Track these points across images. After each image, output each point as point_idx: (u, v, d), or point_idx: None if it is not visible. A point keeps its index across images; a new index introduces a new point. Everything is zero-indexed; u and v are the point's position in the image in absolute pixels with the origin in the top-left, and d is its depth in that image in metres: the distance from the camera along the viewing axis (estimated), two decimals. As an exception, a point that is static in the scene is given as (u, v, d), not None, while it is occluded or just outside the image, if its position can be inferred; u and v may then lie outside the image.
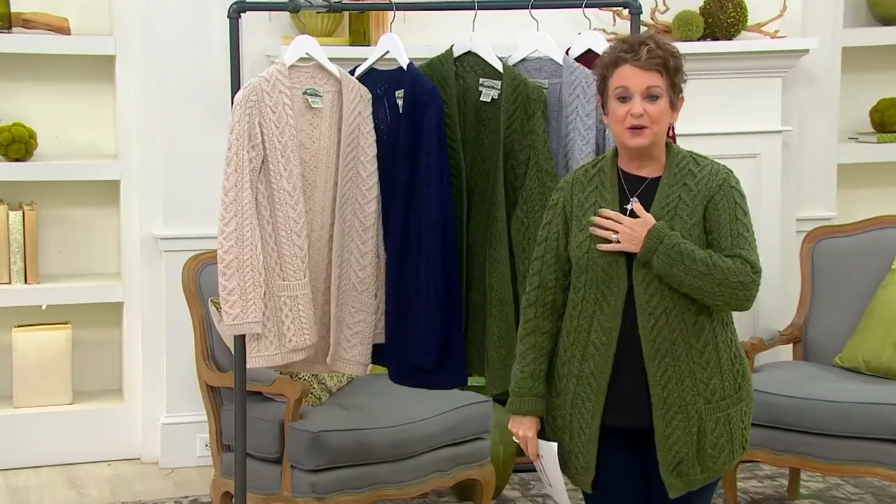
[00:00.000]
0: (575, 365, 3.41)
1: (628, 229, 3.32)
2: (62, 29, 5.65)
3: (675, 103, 3.37)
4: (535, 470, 3.61)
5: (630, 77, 3.32)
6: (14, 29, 5.62)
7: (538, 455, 3.50)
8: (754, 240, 3.36)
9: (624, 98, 3.33)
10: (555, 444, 3.45)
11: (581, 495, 3.56)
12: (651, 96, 3.32)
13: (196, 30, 5.51)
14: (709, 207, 3.35)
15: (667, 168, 3.39)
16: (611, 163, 3.44)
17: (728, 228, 3.33)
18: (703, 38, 5.63)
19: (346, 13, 5.47)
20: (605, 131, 3.94)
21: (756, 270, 3.31)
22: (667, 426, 3.35)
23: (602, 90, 3.40)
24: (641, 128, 3.32)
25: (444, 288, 3.97)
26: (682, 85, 3.39)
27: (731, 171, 3.41)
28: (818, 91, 5.95)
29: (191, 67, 5.53)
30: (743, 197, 3.38)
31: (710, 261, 3.27)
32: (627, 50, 3.33)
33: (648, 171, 3.40)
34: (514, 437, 3.54)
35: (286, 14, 5.41)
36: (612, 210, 3.37)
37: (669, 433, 3.35)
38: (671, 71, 3.34)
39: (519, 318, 3.86)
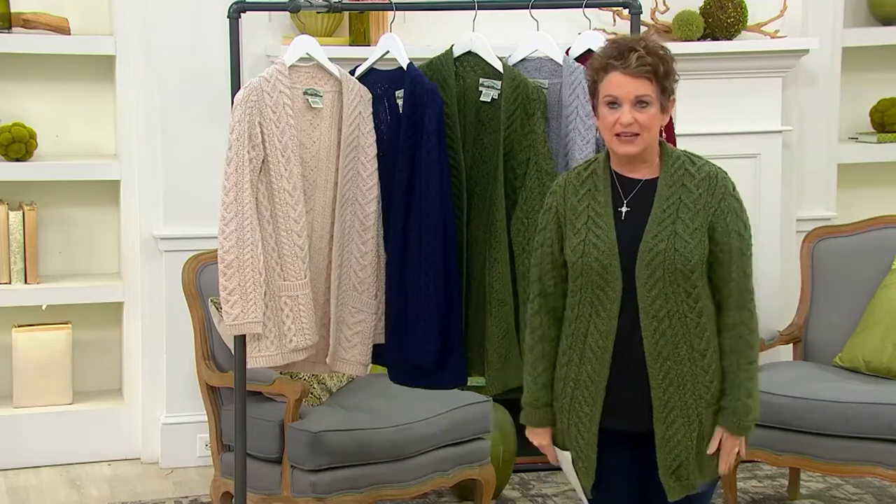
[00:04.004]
0: (573, 369, 3.38)
1: (733, 451, 3.38)
2: (62, 29, 5.64)
3: (665, 107, 3.34)
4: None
5: (619, 85, 3.28)
6: (14, 29, 5.61)
7: (558, 461, 3.51)
8: (752, 252, 3.37)
9: (613, 104, 3.30)
10: (569, 453, 3.44)
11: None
12: (641, 103, 3.29)
13: (196, 30, 5.51)
14: (714, 218, 3.32)
15: (662, 169, 3.37)
16: (603, 165, 3.41)
17: (735, 245, 3.32)
18: (703, 38, 5.62)
19: (346, 13, 5.47)
20: (605, 131, 3.94)
21: (753, 298, 3.36)
22: (667, 429, 3.33)
23: (593, 93, 3.37)
24: (632, 135, 3.30)
25: (444, 288, 3.96)
26: (674, 86, 3.35)
27: (727, 174, 3.38)
28: (818, 91, 5.95)
29: (191, 67, 5.53)
30: (742, 206, 3.37)
31: (754, 366, 3.34)
32: (617, 56, 3.28)
33: (642, 174, 3.37)
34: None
35: (286, 14, 5.40)
36: (605, 213, 3.35)
37: (670, 436, 3.33)
38: (661, 76, 3.29)
39: (519, 318, 3.85)
